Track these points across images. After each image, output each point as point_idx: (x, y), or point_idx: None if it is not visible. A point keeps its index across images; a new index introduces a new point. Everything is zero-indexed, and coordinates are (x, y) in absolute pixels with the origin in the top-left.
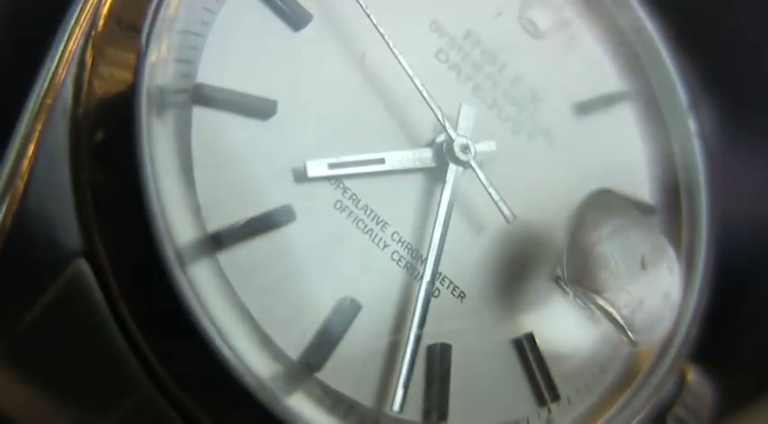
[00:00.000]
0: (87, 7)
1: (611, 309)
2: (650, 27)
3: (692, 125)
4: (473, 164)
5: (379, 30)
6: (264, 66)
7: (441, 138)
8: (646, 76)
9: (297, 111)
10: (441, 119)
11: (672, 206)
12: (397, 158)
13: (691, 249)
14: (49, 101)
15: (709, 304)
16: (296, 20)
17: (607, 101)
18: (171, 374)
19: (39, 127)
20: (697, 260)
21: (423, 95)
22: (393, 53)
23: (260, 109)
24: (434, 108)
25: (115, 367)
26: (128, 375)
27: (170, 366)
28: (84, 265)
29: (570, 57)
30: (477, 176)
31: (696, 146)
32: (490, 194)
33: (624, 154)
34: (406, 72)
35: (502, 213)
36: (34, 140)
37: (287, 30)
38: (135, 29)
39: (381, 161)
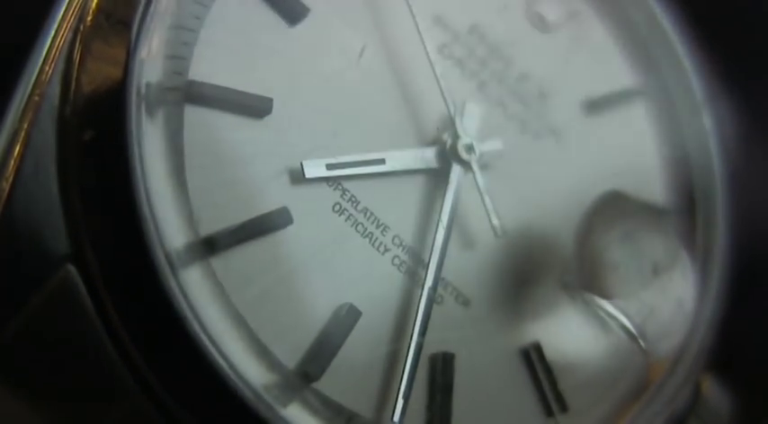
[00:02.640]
0: (75, 1)
1: (621, 317)
2: (664, 19)
3: (707, 123)
4: (474, 167)
5: (411, 11)
6: (259, 63)
7: (446, 137)
8: (659, 72)
9: (293, 110)
10: (452, 114)
11: (686, 208)
12: (399, 158)
13: (706, 253)
14: (35, 98)
15: (726, 310)
16: (292, 13)
17: (618, 98)
18: (162, 383)
19: (25, 126)
20: (713, 264)
21: (440, 87)
22: (420, 40)
23: (255, 107)
24: (449, 102)
25: (105, 377)
26: (118, 385)
27: (161, 375)
28: (72, 270)
29: (580, 51)
30: (475, 180)
31: (712, 145)
32: (483, 201)
33: (636, 153)
34: (429, 61)
35: (491, 224)
36: (20, 140)
37: (282, 24)
38: (124, 23)
39: (382, 161)
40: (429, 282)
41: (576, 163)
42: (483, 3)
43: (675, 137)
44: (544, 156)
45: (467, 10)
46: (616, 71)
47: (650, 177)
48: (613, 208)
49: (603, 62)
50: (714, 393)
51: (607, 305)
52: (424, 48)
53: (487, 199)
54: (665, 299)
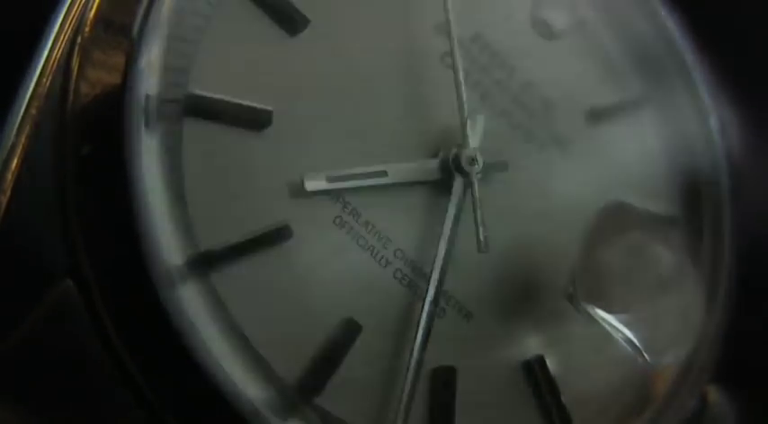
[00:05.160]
0: (72, 12)
1: (626, 329)
2: (670, 27)
3: (714, 131)
4: (473, 179)
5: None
6: (259, 74)
7: (454, 148)
8: (666, 80)
9: (293, 122)
10: (463, 124)
11: (693, 218)
12: (401, 170)
13: (713, 263)
14: (32, 111)
15: (733, 321)
16: (292, 24)
17: (624, 106)
18: (161, 399)
19: (22, 139)
20: (720, 275)
21: (458, 94)
22: (451, 44)
23: (255, 119)
24: (464, 112)
25: (103, 393)
26: (116, 401)
27: (160, 391)
28: (70, 285)
29: (585, 59)
30: (472, 193)
31: (719, 154)
32: (475, 214)
33: (642, 163)
34: (455, 70)
35: (477, 238)
36: (18, 154)
37: (283, 35)
38: (123, 35)
39: (383, 173)
40: (431, 296)
41: (581, 174)
42: (486, 10)
43: (682, 146)
44: (548, 166)
45: (470, 18)
46: (622, 79)
47: (656, 187)
48: (619, 219)
49: (609, 70)
50: (720, 405)
51: (611, 318)
52: (454, 56)
53: (479, 213)
54: (671, 311)
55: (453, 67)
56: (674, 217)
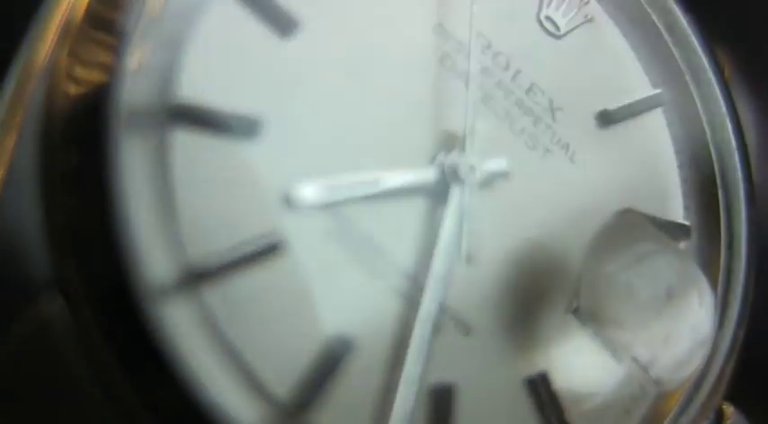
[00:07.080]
0: (57, 16)
1: (632, 345)
2: (683, 25)
3: (731, 134)
4: (466, 187)
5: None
6: (249, 79)
7: (450, 155)
8: (680, 80)
9: (285, 129)
10: (466, 131)
11: (707, 226)
12: (397, 179)
13: (728, 275)
14: (17, 118)
15: (750, 336)
16: (283, 26)
17: (635, 108)
18: (150, 420)
19: (7, 147)
20: (735, 287)
21: (468, 101)
22: (469, 55)
23: (244, 127)
24: (468, 119)
25: (88, 413)
26: (102, 420)
27: (149, 411)
28: (55, 299)
29: (594, 58)
30: (462, 201)
31: (737, 160)
32: (462, 226)
33: (654, 169)
34: (468, 77)
35: (460, 250)
36: (1, 162)
37: (273, 37)
38: (110, 35)
39: (379, 182)
40: (427, 309)
41: (589, 180)
42: (489, 9)
43: (696, 151)
44: (554, 173)
45: (472, 17)
46: (633, 79)
47: (669, 194)
48: (628, 229)
49: (619, 70)
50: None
51: (618, 333)
52: (470, 64)
53: (466, 224)
54: (680, 326)
55: (467, 79)
56: (686, 226)
